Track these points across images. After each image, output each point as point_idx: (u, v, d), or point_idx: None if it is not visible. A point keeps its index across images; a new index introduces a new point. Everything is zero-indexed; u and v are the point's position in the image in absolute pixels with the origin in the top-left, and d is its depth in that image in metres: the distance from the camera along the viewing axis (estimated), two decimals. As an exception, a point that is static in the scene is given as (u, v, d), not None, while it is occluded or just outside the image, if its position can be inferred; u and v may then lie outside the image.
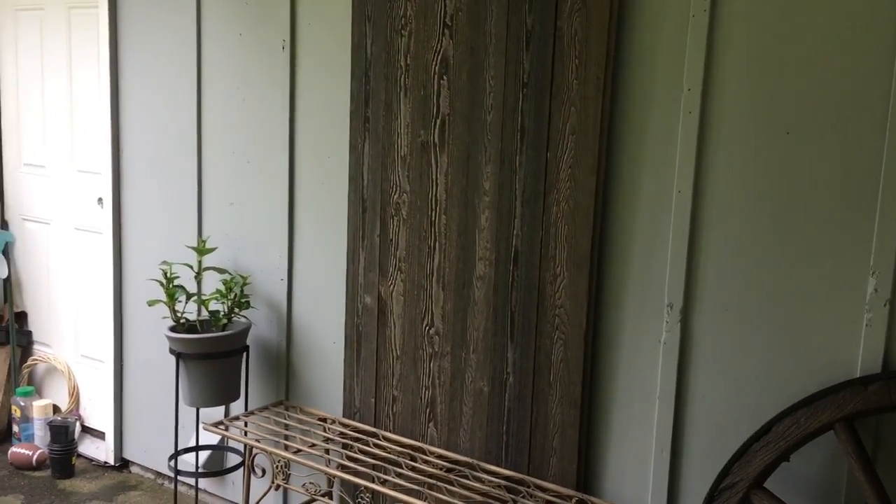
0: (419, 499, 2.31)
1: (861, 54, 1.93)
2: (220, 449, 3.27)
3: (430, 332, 2.66)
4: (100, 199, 3.70)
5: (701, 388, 2.22)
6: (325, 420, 2.88)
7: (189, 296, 3.02)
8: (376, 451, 2.62)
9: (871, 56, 1.92)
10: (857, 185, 1.96)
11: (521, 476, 2.45)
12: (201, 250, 3.09)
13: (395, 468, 2.49)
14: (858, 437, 1.91)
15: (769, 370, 2.11)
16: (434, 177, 2.60)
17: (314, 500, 2.80)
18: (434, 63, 2.57)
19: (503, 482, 2.42)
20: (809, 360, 2.05)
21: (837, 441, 1.95)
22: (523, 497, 2.34)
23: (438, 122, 2.58)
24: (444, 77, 2.55)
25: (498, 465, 2.51)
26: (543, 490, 2.39)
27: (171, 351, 2.94)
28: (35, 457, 3.71)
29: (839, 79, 1.96)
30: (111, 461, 3.76)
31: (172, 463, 3.07)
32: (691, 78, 2.15)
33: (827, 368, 2.02)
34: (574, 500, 2.33)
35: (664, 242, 2.24)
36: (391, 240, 2.72)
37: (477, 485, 2.40)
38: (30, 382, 4.12)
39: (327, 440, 2.74)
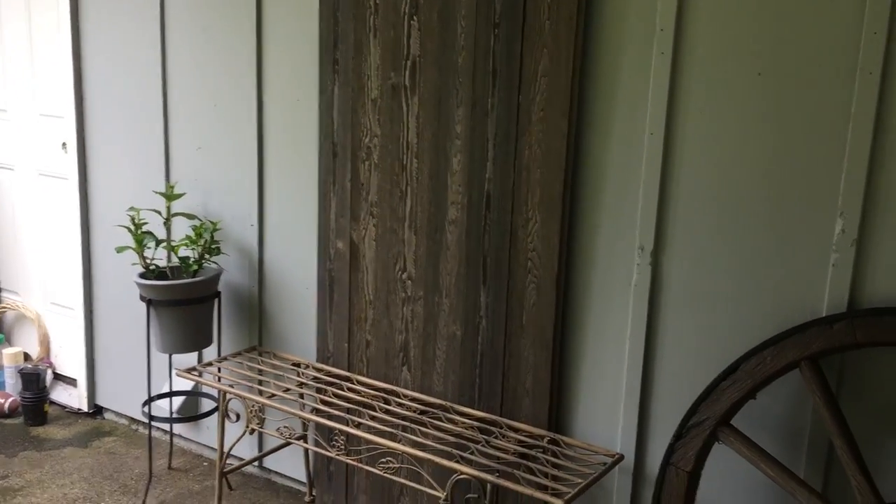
0: (393, 441, 2.34)
1: (834, -6, 1.92)
2: (193, 395, 3.27)
3: (403, 276, 2.66)
4: (64, 144, 3.62)
5: (671, 329, 2.25)
6: (298, 365, 2.89)
7: (158, 242, 2.99)
8: (350, 394, 2.64)
9: (844, -4, 1.91)
10: (826, 128, 1.96)
11: (493, 417, 2.48)
12: (169, 196, 3.04)
13: (369, 411, 2.51)
14: (823, 375, 1.95)
15: (738, 310, 2.14)
16: (405, 120, 2.57)
17: (289, 443, 2.83)
18: (404, 3, 2.52)
19: (476, 423, 2.45)
20: (777, 300, 2.08)
21: (802, 379, 1.99)
22: (496, 437, 2.38)
23: (409, 63, 2.54)
24: (415, 17, 2.50)
25: (471, 408, 2.54)
26: (516, 430, 2.42)
27: (142, 298, 2.92)
28: (7, 404, 3.70)
29: (811, 20, 1.95)
30: (84, 408, 3.75)
31: (146, 409, 3.07)
32: (664, 18, 2.13)
33: (794, 308, 2.06)
34: (546, 440, 2.37)
35: (636, 185, 2.24)
36: (362, 184, 2.70)
37: (450, 426, 2.43)
38: (-1, 331, 4.09)
39: (301, 385, 2.75)
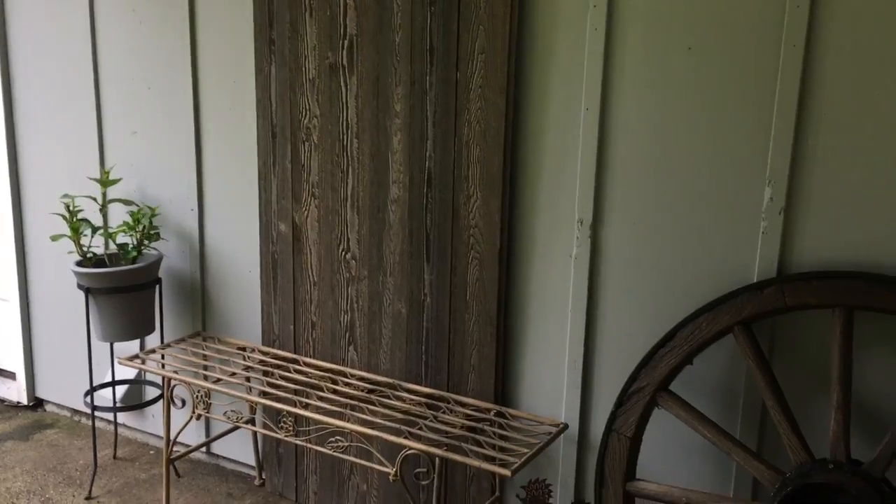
0: (342, 420, 2.35)
1: (759, -31, 1.97)
2: (136, 383, 3.23)
3: (347, 256, 2.66)
4: (-9, 132, 3.51)
5: (611, 299, 2.30)
6: (244, 349, 2.88)
7: (95, 229, 2.93)
8: (297, 376, 2.64)
9: (769, -29, 1.96)
10: (753, 100, 2.02)
11: (441, 393, 2.51)
12: (105, 182, 2.98)
13: (317, 392, 2.52)
14: (755, 339, 2.03)
15: (674, 279, 2.20)
16: (344, 100, 2.57)
17: (237, 427, 2.82)
18: (339, -18, 2.50)
19: (424, 399, 2.48)
20: (711, 268, 2.15)
21: (736, 343, 2.06)
22: (443, 412, 2.41)
23: (346, 43, 2.53)
24: (351, -4, 2.49)
25: (418, 384, 2.57)
26: (463, 405, 2.46)
27: (80, 286, 2.87)
28: (-58, 401, 3.60)
29: (738, -6, 2.00)
30: (24, 401, 3.68)
31: (88, 399, 3.03)
32: (597, -6, 2.16)
33: (727, 275, 2.12)
34: (492, 413, 2.41)
35: (573, 160, 2.28)
36: (303, 165, 2.69)
37: (398, 403, 2.45)
38: (-70, 326, 3.95)
39: (247, 368, 2.74)
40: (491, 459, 2.14)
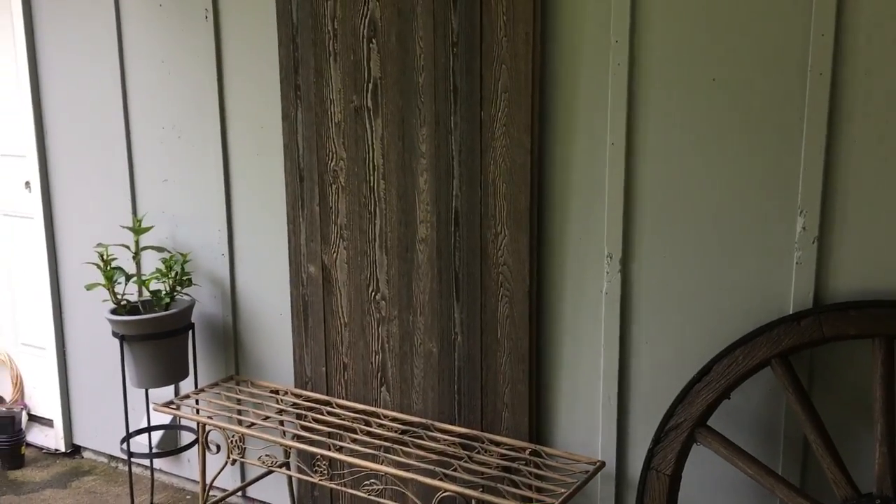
0: (376, 462, 2.34)
1: (781, -1, 1.97)
2: (172, 428, 3.25)
3: (377, 297, 2.66)
4: (27, 183, 3.59)
5: (644, 333, 2.28)
6: (277, 392, 2.88)
7: (128, 277, 2.97)
8: (330, 418, 2.64)
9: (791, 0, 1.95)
10: (781, 128, 2.01)
11: (475, 433, 2.49)
12: (137, 230, 3.03)
13: (351, 434, 2.51)
14: (794, 372, 1.99)
15: (707, 312, 2.17)
16: (370, 142, 2.59)
17: (271, 471, 2.81)
18: (362, 27, 2.54)
19: (458, 440, 2.46)
20: (745, 300, 2.12)
21: (774, 376, 2.02)
22: (478, 452, 2.38)
23: (370, 86, 2.56)
24: (374, 40, 2.52)
25: (452, 424, 2.55)
26: (497, 444, 2.44)
27: (115, 334, 2.90)
28: (-18, 450, 3.64)
29: (760, 24, 1.99)
30: (62, 448, 3.70)
31: (125, 445, 3.04)
32: (618, 29, 2.17)
33: (762, 307, 2.09)
34: (528, 452, 2.38)
35: (601, 194, 2.27)
36: (331, 207, 2.71)
37: (432, 444, 2.43)
38: (-30, 375, 4.02)
39: (281, 412, 2.74)
40: (528, 500, 2.11)
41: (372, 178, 2.60)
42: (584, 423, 2.40)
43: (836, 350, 2.04)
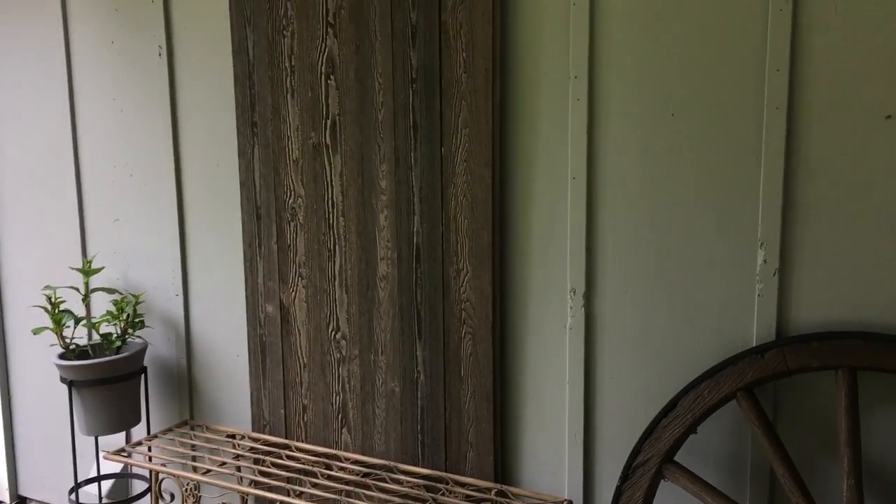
0: (338, 508, 2.27)
1: (737, 35, 1.99)
2: (123, 476, 3.12)
3: (337, 336, 2.61)
4: (-29, 225, 3.47)
5: (608, 369, 2.26)
6: (233, 436, 2.80)
7: (78, 320, 2.87)
8: (290, 462, 2.56)
9: (748, 36, 1.98)
10: (740, 162, 2.02)
11: (439, 474, 2.44)
12: (87, 271, 2.94)
13: (311, 479, 2.44)
14: (759, 404, 1.98)
15: (672, 346, 2.16)
16: (329, 179, 2.55)
17: (228, 519, 2.72)
18: (320, 63, 2.52)
19: (422, 482, 2.40)
20: (709, 334, 2.11)
21: (740, 409, 2.01)
22: (442, 494, 2.33)
23: (329, 122, 2.53)
24: (332, 77, 2.50)
25: (415, 465, 2.49)
26: (462, 485, 2.38)
27: (63, 379, 2.79)
28: (-81, 505, 3.46)
29: (718, 59, 2.02)
30: (7, 500, 3.54)
31: (73, 496, 2.92)
32: (577, 65, 2.18)
33: (726, 340, 2.09)
34: (493, 492, 2.33)
35: (563, 229, 2.26)
36: (289, 245, 2.66)
37: (395, 487, 2.37)
38: None
39: (237, 457, 2.65)
40: (495, 543, 2.06)
41: (331, 215, 2.56)
42: (551, 462, 2.37)
43: (800, 382, 2.04)
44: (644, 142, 2.13)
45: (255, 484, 2.47)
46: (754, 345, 2.05)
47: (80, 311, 3.02)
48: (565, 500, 2.28)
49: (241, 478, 2.55)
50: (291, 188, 2.62)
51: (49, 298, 2.83)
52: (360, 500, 2.30)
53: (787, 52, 1.94)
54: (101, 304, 3.05)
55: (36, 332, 2.81)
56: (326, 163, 2.55)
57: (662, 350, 2.18)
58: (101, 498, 3.01)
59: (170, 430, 2.86)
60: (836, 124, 1.92)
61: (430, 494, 2.32)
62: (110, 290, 2.98)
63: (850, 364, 1.87)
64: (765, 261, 2.02)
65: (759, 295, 2.03)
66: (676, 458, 2.08)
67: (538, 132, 2.26)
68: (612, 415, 2.27)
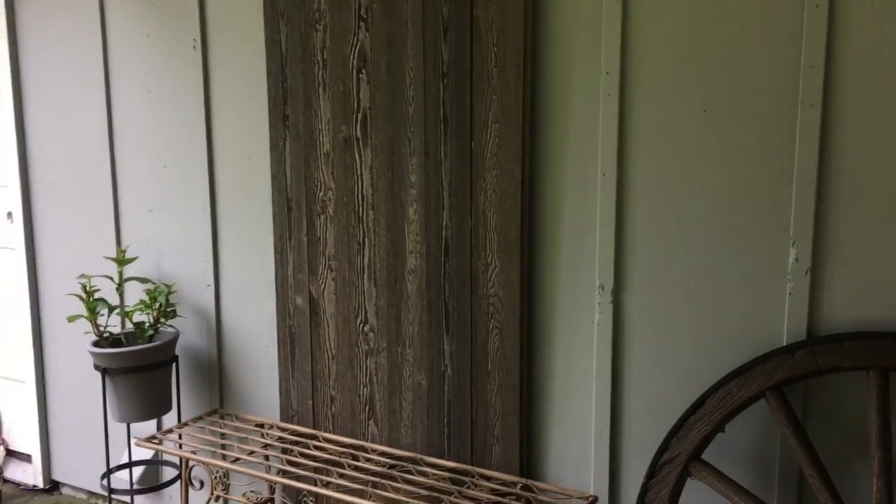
0: (363, 498, 2.29)
1: (772, 31, 1.97)
2: (154, 463, 3.17)
3: (365, 328, 2.63)
4: (9, 214, 3.54)
5: (636, 366, 2.25)
6: (262, 426, 2.83)
7: (111, 308, 2.91)
8: (317, 453, 2.58)
9: (782, 32, 1.96)
10: (773, 159, 2.01)
11: (464, 467, 2.45)
12: (121, 261, 2.98)
13: (338, 469, 2.46)
14: (788, 404, 1.97)
15: (700, 343, 2.15)
16: (359, 172, 2.57)
17: (256, 507, 2.75)
18: (352, 57, 2.53)
19: (447, 474, 2.42)
20: (738, 332, 2.10)
21: (769, 408, 2.00)
22: (468, 487, 2.34)
23: (360, 116, 2.54)
24: (363, 71, 2.52)
25: (441, 458, 2.51)
26: (488, 479, 2.39)
27: (96, 367, 2.84)
28: (-43, 487, 3.55)
29: (752, 56, 2.00)
30: (40, 484, 3.61)
31: (105, 481, 2.97)
32: (609, 61, 2.17)
33: (755, 339, 2.07)
34: (519, 486, 2.34)
35: (592, 225, 2.26)
36: (319, 238, 2.68)
37: (421, 479, 2.39)
38: (-54, 409, 3.93)
39: (266, 446, 2.69)
40: (520, 537, 2.07)
41: (361, 208, 2.58)
42: (576, 457, 2.37)
43: (830, 382, 2.02)
44: (676, 138, 2.12)
45: (283, 473, 2.50)
46: (784, 344, 2.03)
47: (113, 299, 3.07)
48: (591, 495, 2.28)
49: (270, 467, 2.58)
50: (322, 181, 2.64)
51: (84, 287, 2.88)
52: (387, 491, 2.31)
53: (823, 49, 1.91)
54: (135, 294, 3.09)
55: (71, 319, 2.86)
56: (357, 156, 2.57)
57: (691, 347, 2.17)
58: (132, 484, 3.07)
59: (200, 418, 2.90)
60: (871, 122, 1.89)
61: (456, 487, 2.33)
62: (143, 280, 3.02)
63: (881, 364, 1.85)
64: (797, 259, 2.00)
65: (790, 294, 2.02)
66: (704, 457, 2.07)
67: (568, 128, 2.26)
68: (639, 411, 2.26)
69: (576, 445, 2.36)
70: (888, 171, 1.89)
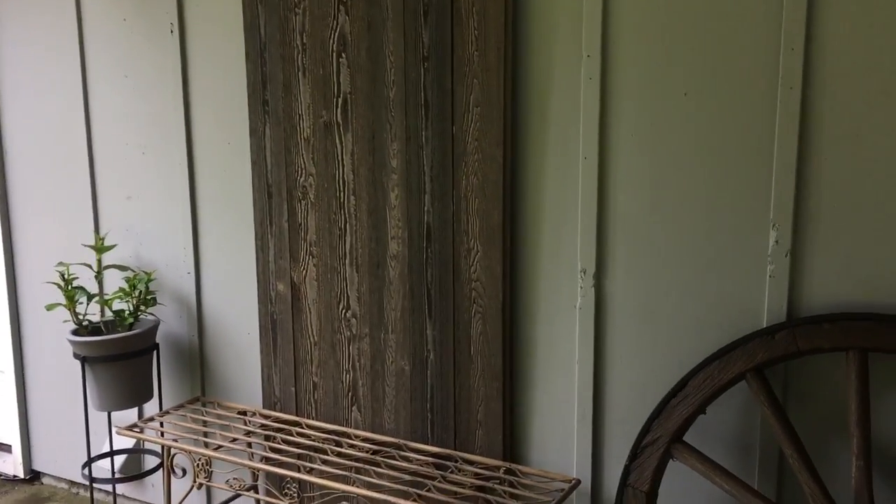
0: (347, 484, 2.29)
1: (751, 13, 1.97)
2: (135, 452, 3.16)
3: (347, 314, 2.62)
4: (-15, 202, 3.50)
5: (618, 349, 2.26)
6: (244, 413, 2.82)
7: (90, 297, 2.89)
8: (300, 439, 2.58)
9: (762, 15, 1.96)
10: (753, 141, 2.01)
11: (448, 451, 2.45)
12: (100, 248, 2.95)
13: (321, 455, 2.46)
14: (769, 385, 1.98)
15: (682, 327, 2.16)
16: (340, 157, 2.55)
17: (239, 495, 2.74)
18: (331, 41, 2.51)
19: (431, 459, 2.42)
20: (719, 314, 2.11)
21: (749, 390, 2.01)
22: (451, 472, 2.34)
23: (340, 101, 2.53)
24: (343, 55, 2.50)
25: (424, 443, 2.51)
26: (471, 463, 2.40)
27: (76, 355, 2.81)
28: (-64, 478, 3.51)
29: (731, 39, 2.00)
30: (20, 474, 3.59)
31: (86, 470, 2.95)
32: (590, 44, 2.16)
33: (736, 321, 2.09)
34: (502, 470, 2.34)
35: (574, 209, 2.26)
36: (300, 224, 2.66)
37: (405, 464, 2.39)
38: (-77, 400, 3.88)
39: (248, 433, 2.68)
40: (503, 520, 2.07)
41: (342, 193, 2.57)
42: (559, 441, 2.38)
43: (810, 363, 2.04)
44: (656, 121, 2.12)
45: (266, 460, 2.49)
46: (765, 326, 2.04)
47: (92, 287, 3.04)
48: (574, 478, 2.29)
49: (252, 454, 2.57)
50: (303, 167, 2.62)
51: (62, 275, 2.85)
52: (371, 476, 2.31)
53: (802, 31, 1.92)
54: (114, 281, 3.06)
55: (49, 308, 2.84)
56: (338, 141, 2.55)
57: (672, 330, 2.18)
58: (113, 472, 3.05)
59: (182, 406, 2.88)
60: (850, 105, 1.90)
61: (440, 472, 2.33)
62: (122, 268, 2.99)
63: (860, 346, 1.86)
64: (777, 241, 2.01)
65: (770, 276, 2.03)
66: (685, 438, 2.09)
67: (550, 111, 2.25)
68: (621, 394, 2.27)
69: (559, 429, 2.37)
70: (868, 153, 1.90)
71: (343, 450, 2.50)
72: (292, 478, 2.39)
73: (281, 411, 2.80)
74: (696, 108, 2.07)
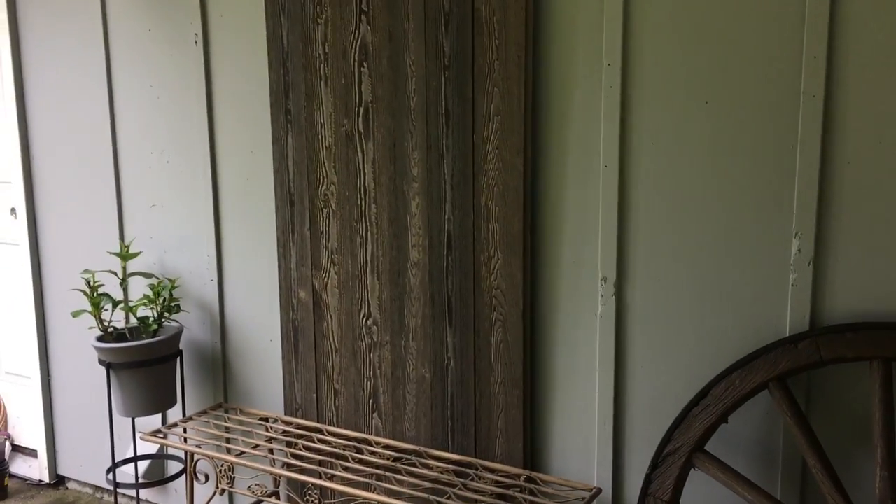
0: (368, 491, 2.29)
1: (774, 21, 1.97)
2: (159, 457, 3.19)
3: (368, 322, 2.63)
4: (13, 210, 3.55)
5: (639, 358, 2.25)
6: (266, 419, 2.84)
7: (115, 303, 2.92)
8: (321, 446, 2.59)
9: (784, 23, 1.96)
10: (775, 149, 2.00)
11: (468, 459, 2.45)
12: (125, 256, 2.99)
13: (342, 462, 2.47)
14: (792, 395, 1.97)
15: (703, 335, 2.15)
16: (361, 166, 2.57)
17: (261, 501, 2.76)
18: (353, 50, 2.53)
19: (451, 467, 2.42)
20: (741, 323, 2.10)
21: (772, 399, 2.00)
22: (472, 479, 2.34)
23: (361, 110, 2.54)
24: (365, 64, 2.52)
25: (445, 451, 2.51)
26: (492, 471, 2.40)
27: (101, 361, 2.85)
28: (-37, 482, 3.56)
29: (754, 46, 2.00)
30: (46, 479, 3.63)
31: (111, 476, 2.98)
32: (610, 53, 2.17)
33: (758, 330, 2.07)
34: (522, 478, 2.34)
35: (595, 217, 2.26)
36: (322, 232, 2.68)
37: (425, 472, 2.39)
38: (-48, 405, 3.94)
39: (270, 440, 2.69)
40: (524, 529, 2.07)
41: (363, 202, 2.58)
42: (580, 449, 2.37)
43: (833, 372, 2.02)
44: (678, 130, 2.12)
45: (288, 466, 2.51)
46: (787, 335, 2.03)
47: (117, 294, 3.08)
48: (594, 487, 2.29)
49: (274, 460, 2.59)
50: (324, 175, 2.64)
51: (88, 282, 2.89)
52: (391, 483, 2.32)
53: (825, 40, 1.91)
54: (139, 289, 3.10)
55: (75, 314, 2.87)
56: (359, 150, 2.57)
57: (694, 339, 2.17)
58: (137, 478, 3.08)
59: (204, 412, 2.91)
60: (873, 112, 1.89)
61: (460, 479, 2.33)
62: (147, 275, 3.03)
63: (884, 355, 1.84)
64: (799, 250, 2.00)
65: (793, 285, 2.01)
66: (707, 448, 2.08)
67: (571, 120, 2.26)
68: (643, 403, 2.27)
69: (579, 437, 2.37)
70: (891, 161, 1.88)
71: (364, 457, 2.51)
72: (313, 484, 2.40)
73: (302, 418, 2.81)
74: (718, 116, 2.06)
